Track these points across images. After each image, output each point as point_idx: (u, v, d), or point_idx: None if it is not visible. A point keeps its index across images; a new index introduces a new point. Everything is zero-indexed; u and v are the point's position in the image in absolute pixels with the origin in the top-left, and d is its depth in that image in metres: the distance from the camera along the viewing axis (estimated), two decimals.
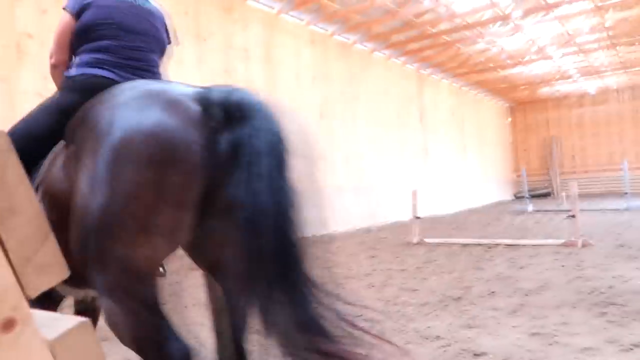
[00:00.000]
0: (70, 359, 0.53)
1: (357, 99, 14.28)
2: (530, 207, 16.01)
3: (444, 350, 3.52)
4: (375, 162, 14.91)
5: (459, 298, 5.09)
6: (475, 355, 3.41)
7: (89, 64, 1.86)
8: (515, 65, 18.77)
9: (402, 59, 16.68)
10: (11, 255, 0.49)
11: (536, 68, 19.54)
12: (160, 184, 1.25)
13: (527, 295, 5.04)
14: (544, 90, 24.20)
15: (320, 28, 12.99)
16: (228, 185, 1.36)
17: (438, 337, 3.81)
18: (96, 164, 1.25)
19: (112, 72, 1.84)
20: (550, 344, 3.57)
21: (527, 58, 18.02)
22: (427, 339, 3.80)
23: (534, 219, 13.84)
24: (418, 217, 9.85)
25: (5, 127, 5.07)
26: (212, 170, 1.36)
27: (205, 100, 1.43)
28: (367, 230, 12.34)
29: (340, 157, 13.38)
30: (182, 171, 1.29)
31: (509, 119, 27.73)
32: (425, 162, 18.00)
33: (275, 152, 1.46)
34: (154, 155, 1.26)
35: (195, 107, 1.40)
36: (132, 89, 1.44)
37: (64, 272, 0.56)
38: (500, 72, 19.82)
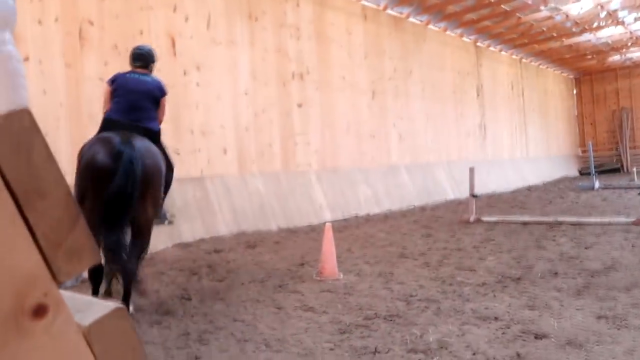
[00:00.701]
0: (105, 346, 0.52)
1: (411, 74, 13.91)
2: (597, 184, 15.11)
3: (503, 332, 3.39)
4: (431, 139, 14.56)
5: (519, 278, 4.89)
6: (537, 337, 3.26)
7: (110, 110, 3.81)
8: (581, 32, 17.53)
9: (459, 30, 16.01)
10: (41, 241, 0.47)
11: (605, 35, 18.17)
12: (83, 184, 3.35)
13: (593, 276, 4.76)
14: (614, 59, 22.54)
15: (372, 2, 12.67)
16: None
17: (496, 319, 3.68)
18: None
19: (118, 114, 3.75)
20: (619, 328, 3.36)
21: (595, 24, 16.78)
22: (484, 320, 3.67)
23: (601, 196, 13.07)
24: (475, 196, 9.54)
25: (72, 112, 5.42)
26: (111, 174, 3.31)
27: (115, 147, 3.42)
28: (422, 209, 12.13)
29: (394, 135, 13.17)
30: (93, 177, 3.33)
31: (574, 91, 26.19)
32: (483, 138, 17.36)
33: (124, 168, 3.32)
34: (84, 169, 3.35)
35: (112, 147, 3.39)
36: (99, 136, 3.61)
37: (95, 257, 0.55)
38: (565, 41, 18.60)
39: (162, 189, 3.74)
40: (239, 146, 9.21)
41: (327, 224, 5.69)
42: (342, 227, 9.53)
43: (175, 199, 8.01)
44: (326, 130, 11.13)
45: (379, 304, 4.23)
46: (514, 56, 19.66)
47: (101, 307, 0.55)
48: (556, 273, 5.01)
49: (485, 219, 9.32)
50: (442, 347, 3.17)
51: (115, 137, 3.42)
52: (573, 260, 5.55)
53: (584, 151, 24.61)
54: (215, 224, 7.58)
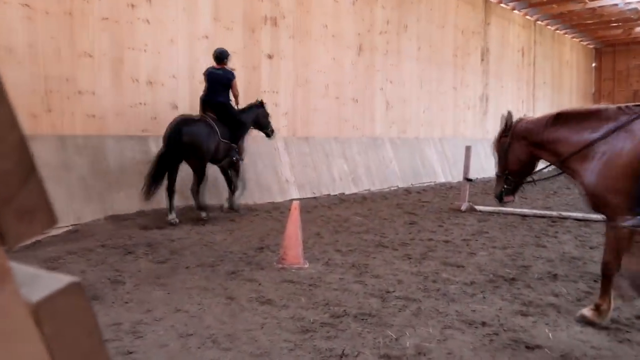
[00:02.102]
0: (56, 327, 0.52)
1: (406, 29, 13.93)
2: None
3: (490, 340, 3.53)
4: (423, 110, 14.73)
5: (513, 279, 5.07)
6: (528, 348, 3.40)
7: (203, 93, 8.39)
8: None
9: None
10: None
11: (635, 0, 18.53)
12: None
13: (596, 281, 4.98)
14: None
15: None
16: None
17: (484, 324, 3.81)
18: None
19: (205, 95, 8.32)
20: (621, 341, 3.54)
21: None
22: (470, 324, 3.80)
23: None
24: (470, 180, 9.74)
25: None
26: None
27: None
28: (407, 192, 12.33)
29: (380, 101, 13.25)
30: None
31: (594, 64, 26.73)
32: (484, 112, 17.65)
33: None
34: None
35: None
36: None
37: (51, 219, 0.54)
38: (588, 3, 18.87)
39: (205, 147, 7.77)
40: (192, 102, 9.09)
41: (293, 202, 5.74)
42: (312, 207, 9.60)
43: (110, 160, 7.88)
44: (299, 89, 11.10)
45: (350, 300, 4.32)
46: (528, 16, 19.88)
47: (53, 281, 0.54)
48: (555, 275, 5.22)
49: (480, 208, 9.54)
50: (419, 354, 3.27)
51: (181, 118, 7.87)
52: (575, 262, 5.78)
53: None
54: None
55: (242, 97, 8.95)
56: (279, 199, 9.97)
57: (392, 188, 12.71)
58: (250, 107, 8.71)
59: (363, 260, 5.73)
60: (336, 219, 8.38)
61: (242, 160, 8.52)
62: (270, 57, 10.48)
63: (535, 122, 4.32)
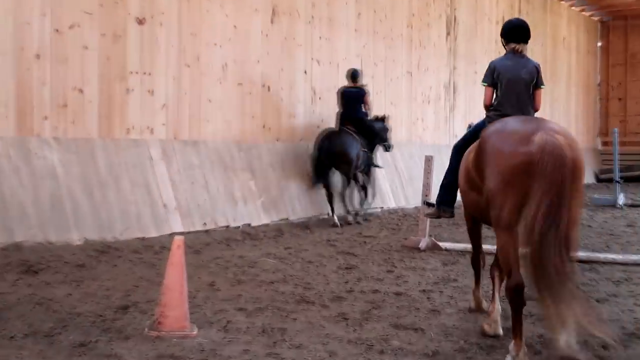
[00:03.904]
0: None
1: None
2: (621, 198, 16.39)
3: None
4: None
5: (492, 347, 5.22)
6: None
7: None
8: None
9: None
10: None
11: None
12: None
13: (605, 348, 5.20)
14: None
15: None
16: None
17: None
18: None
19: (344, 111, 13.40)
20: None
21: None
22: None
23: (626, 217, 14.23)
24: (431, 204, 9.95)
25: None
26: None
27: None
28: (343, 222, 12.43)
29: (304, 88, 13.37)
30: None
31: (599, 44, 27.99)
32: (451, 107, 18.19)
33: None
34: None
35: None
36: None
37: None
38: None
39: (352, 155, 12.46)
40: (20, 87, 8.84)
41: (175, 238, 5.65)
42: (203, 244, 9.52)
43: None
44: (185, 71, 11.01)
45: None
46: None
47: None
48: (550, 341, 5.41)
49: (446, 245, 9.73)
50: None
51: (331, 131, 13.00)
52: None
53: (605, 143, 26.51)
54: None
55: (99, 80, 8.77)
56: (152, 232, 9.80)
57: (322, 217, 12.80)
58: (376, 119, 13.45)
59: (278, 322, 5.73)
60: (239, 263, 8.34)
61: (381, 167, 14.29)
62: (140, 21, 10.35)
63: None
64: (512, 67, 6.38)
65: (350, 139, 12.54)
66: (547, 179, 4.63)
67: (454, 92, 18.33)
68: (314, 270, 8.05)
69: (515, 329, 4.80)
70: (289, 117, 13.05)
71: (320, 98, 13.73)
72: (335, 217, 12.20)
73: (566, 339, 4.46)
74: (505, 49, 6.55)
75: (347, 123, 12.88)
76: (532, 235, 4.58)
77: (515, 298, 4.81)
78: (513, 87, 6.31)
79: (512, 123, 5.32)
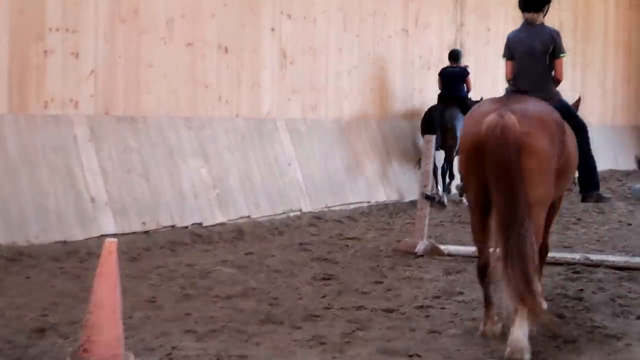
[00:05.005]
0: None
1: None
2: None
3: None
4: (348, 69, 15.01)
5: None
6: None
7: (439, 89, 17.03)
8: None
9: None
10: None
11: None
12: None
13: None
14: None
15: None
16: None
17: None
18: None
19: (443, 91, 16.67)
20: None
21: None
22: None
23: None
24: (432, 198, 9.99)
25: None
26: None
27: None
28: (319, 220, 12.46)
29: (270, 52, 13.31)
30: None
31: None
32: None
33: None
34: None
35: None
36: None
37: None
38: None
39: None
40: None
41: (106, 241, 5.62)
42: (141, 250, 9.51)
43: None
44: (120, 27, 10.96)
45: None
46: None
47: None
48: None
49: (449, 249, 9.78)
50: None
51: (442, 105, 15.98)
52: (613, 340, 6.05)
53: None
54: None
55: (10, 42, 8.75)
56: (77, 235, 9.77)
57: (293, 213, 12.81)
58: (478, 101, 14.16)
59: (237, 348, 5.73)
60: (187, 273, 8.34)
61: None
62: None
63: None
64: (525, 38, 7.36)
65: (460, 116, 14.55)
66: (490, 159, 5.78)
67: (462, 57, 18.36)
68: (283, 282, 8.05)
69: (485, 302, 6.31)
70: (252, 86, 13.01)
71: (291, 62, 13.70)
72: (444, 196, 15.00)
73: (518, 333, 5.56)
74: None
75: (449, 104, 15.49)
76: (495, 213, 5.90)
77: (481, 277, 6.32)
78: (526, 60, 7.28)
79: (483, 105, 6.68)
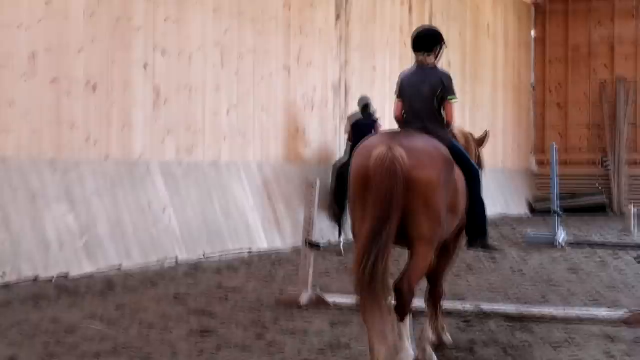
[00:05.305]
0: None
1: None
2: (561, 235, 16.89)
3: None
4: (227, 109, 15.07)
5: None
6: None
7: None
8: None
9: None
10: None
11: None
12: None
13: None
14: None
15: None
16: None
17: None
18: None
19: None
20: None
21: None
22: None
23: (567, 259, 14.67)
24: (316, 245, 10.01)
25: None
26: None
27: None
28: (197, 270, 12.37)
29: (142, 90, 13.24)
30: None
31: (533, 33, 28.90)
32: (342, 115, 18.34)
33: None
34: None
35: None
36: None
37: None
38: None
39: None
40: None
41: None
42: (1, 304, 9.26)
43: None
44: None
45: None
46: None
47: None
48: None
49: (334, 299, 9.78)
50: None
51: None
52: None
53: (542, 163, 27.36)
54: None
55: None
56: None
57: (167, 263, 12.69)
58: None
59: None
60: (51, 329, 8.14)
61: None
62: None
63: None
64: (415, 81, 7.58)
65: None
66: (375, 192, 6.04)
67: (346, 95, 18.55)
68: (157, 337, 7.93)
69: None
70: (122, 126, 12.89)
71: (166, 101, 13.63)
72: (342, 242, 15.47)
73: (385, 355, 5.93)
74: None
75: None
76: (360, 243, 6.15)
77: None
78: (415, 101, 7.52)
79: (373, 138, 7.04)
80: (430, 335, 7.42)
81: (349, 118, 17.33)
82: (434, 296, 7.75)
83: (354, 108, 18.76)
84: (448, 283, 11.63)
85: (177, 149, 13.90)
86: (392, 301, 6.21)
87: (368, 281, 5.86)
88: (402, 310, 6.30)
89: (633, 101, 28.05)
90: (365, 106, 16.60)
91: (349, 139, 16.51)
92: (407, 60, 20.57)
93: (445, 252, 7.52)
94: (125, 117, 12.96)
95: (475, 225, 7.78)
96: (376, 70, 19.68)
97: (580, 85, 28.41)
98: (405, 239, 6.43)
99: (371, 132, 14.97)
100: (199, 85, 14.36)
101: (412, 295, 6.28)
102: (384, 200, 5.97)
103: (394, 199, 5.97)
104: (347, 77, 18.63)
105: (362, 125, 16.15)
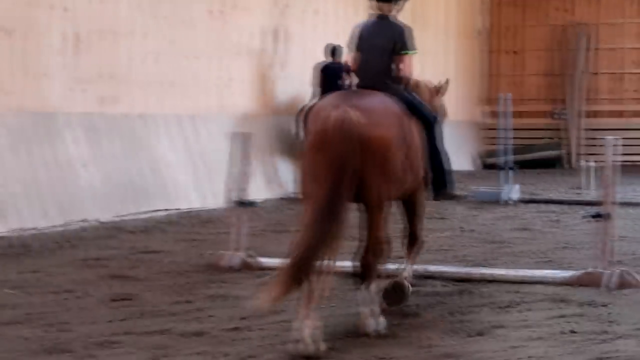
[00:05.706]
0: None
1: None
2: (514, 192, 17.12)
3: None
4: (150, 55, 15.03)
5: None
6: None
7: None
8: None
9: None
10: None
11: None
12: None
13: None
14: None
15: None
16: None
17: None
18: None
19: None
20: None
21: None
22: None
23: (518, 216, 15.00)
24: (247, 203, 10.03)
25: None
26: None
27: None
28: (116, 230, 12.36)
29: (55, 34, 13.09)
30: None
31: None
32: (282, 65, 18.36)
33: None
34: None
35: None
36: None
37: None
38: None
39: None
40: None
41: None
42: None
43: None
44: None
45: None
46: None
47: None
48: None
49: (269, 262, 9.84)
50: None
51: None
52: None
53: (493, 114, 27.57)
54: None
55: None
56: None
57: (83, 224, 12.66)
58: None
59: None
60: None
61: None
62: None
63: None
64: (372, 33, 7.78)
65: None
66: (330, 155, 6.31)
67: (286, 41, 18.52)
68: (74, 304, 7.92)
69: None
70: (35, 76, 12.76)
71: (81, 45, 13.48)
72: None
73: (306, 333, 6.21)
74: None
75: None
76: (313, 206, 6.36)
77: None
78: (370, 54, 7.73)
79: (326, 100, 7.28)
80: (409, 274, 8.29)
81: (314, 68, 18.17)
82: (413, 242, 8.45)
83: (296, 57, 18.83)
84: (395, 244, 11.77)
85: (97, 98, 13.74)
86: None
87: (316, 246, 6.11)
88: (369, 275, 6.88)
89: (595, 48, 28.22)
90: (333, 49, 17.90)
91: (319, 85, 17.65)
92: (352, 4, 20.64)
93: (412, 204, 8.13)
94: (40, 64, 12.80)
95: (437, 176, 8.23)
96: (319, 14, 19.66)
97: (537, 31, 28.55)
98: (359, 201, 6.76)
99: (341, 75, 15.10)
100: (123, 29, 14.23)
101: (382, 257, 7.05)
102: (339, 164, 6.27)
103: (350, 161, 6.28)
104: (286, 23, 18.58)
105: (332, 70, 17.29)
